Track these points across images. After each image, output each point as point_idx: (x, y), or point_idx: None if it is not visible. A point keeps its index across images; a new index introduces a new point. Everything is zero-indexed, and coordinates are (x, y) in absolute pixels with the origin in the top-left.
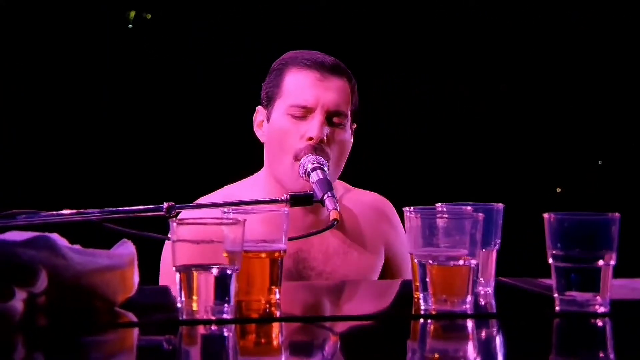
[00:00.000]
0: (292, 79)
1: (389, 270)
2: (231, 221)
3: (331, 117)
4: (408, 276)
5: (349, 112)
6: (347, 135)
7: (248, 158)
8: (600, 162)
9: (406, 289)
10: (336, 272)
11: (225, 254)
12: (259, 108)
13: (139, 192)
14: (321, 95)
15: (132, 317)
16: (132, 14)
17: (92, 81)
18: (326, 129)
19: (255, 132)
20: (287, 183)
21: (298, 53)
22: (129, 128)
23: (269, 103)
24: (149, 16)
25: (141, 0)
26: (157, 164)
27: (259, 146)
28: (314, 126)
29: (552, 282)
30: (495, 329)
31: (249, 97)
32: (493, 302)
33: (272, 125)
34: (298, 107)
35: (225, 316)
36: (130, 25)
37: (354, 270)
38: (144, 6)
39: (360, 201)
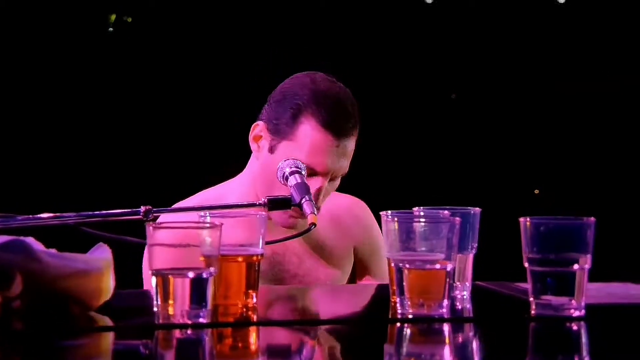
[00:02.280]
0: (307, 133)
1: (356, 271)
2: (208, 225)
3: (335, 177)
4: (378, 278)
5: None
6: (339, 182)
7: (226, 161)
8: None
9: (383, 293)
10: (309, 275)
11: (202, 258)
12: (260, 124)
13: (116, 196)
14: (333, 163)
15: (108, 321)
16: (113, 17)
17: (72, 85)
18: (326, 185)
19: (250, 143)
20: (269, 214)
21: (315, 93)
22: (107, 132)
23: (275, 133)
24: (129, 19)
25: (123, 3)
26: (135, 168)
27: (237, 150)
28: (315, 187)
29: (528, 285)
30: (471, 333)
31: (229, 102)
32: (469, 306)
33: (274, 163)
34: (307, 167)
35: (201, 320)
36: (110, 29)
37: (325, 272)
38: (125, 10)
39: (334, 204)
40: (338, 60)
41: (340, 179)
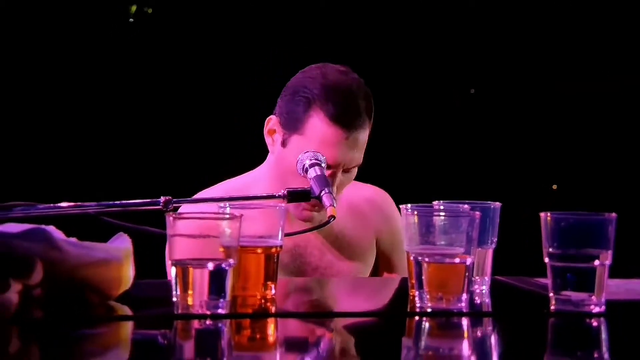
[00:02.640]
0: (317, 126)
1: (387, 263)
2: (227, 216)
3: (348, 169)
4: (400, 270)
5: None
6: (355, 173)
7: (247, 152)
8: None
9: (403, 286)
10: (331, 267)
11: (221, 249)
12: (273, 118)
13: (137, 186)
14: (344, 155)
15: (127, 310)
16: (134, 8)
17: (91, 74)
18: (339, 179)
19: (265, 136)
20: (290, 210)
21: (324, 85)
22: (129, 122)
23: (286, 127)
24: (150, 10)
25: None
26: (156, 158)
27: (258, 141)
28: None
29: (547, 281)
30: (490, 328)
31: (249, 93)
32: (488, 300)
33: (287, 156)
34: None
35: (220, 311)
36: (131, 19)
37: (347, 264)
38: (145, 1)
39: (356, 195)
40: (354, 53)
41: (355, 170)
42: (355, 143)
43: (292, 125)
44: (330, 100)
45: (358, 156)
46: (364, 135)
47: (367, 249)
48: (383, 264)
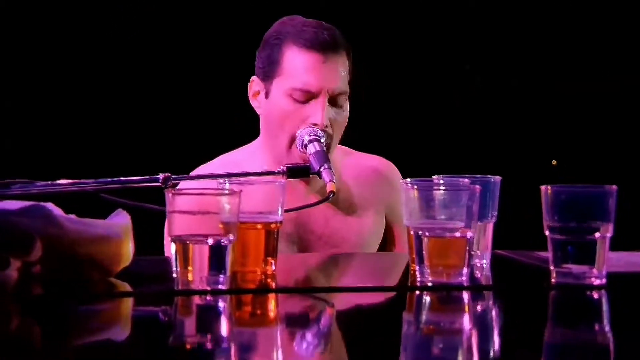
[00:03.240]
0: (292, 59)
1: (390, 235)
2: (227, 191)
3: (334, 99)
4: (401, 244)
5: (347, 85)
6: (347, 112)
7: (243, 126)
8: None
9: (404, 261)
10: (335, 234)
11: (221, 225)
12: (254, 79)
13: (135, 162)
14: (325, 79)
15: (127, 287)
16: None
17: (87, 53)
18: (330, 112)
19: (251, 101)
20: (284, 160)
21: (294, 25)
22: (124, 98)
23: (266, 77)
24: None
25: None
26: (153, 133)
27: (254, 115)
28: (317, 112)
29: (548, 254)
30: (491, 302)
31: (242, 66)
32: (489, 274)
33: (271, 103)
34: (301, 91)
35: (220, 287)
36: None
37: (353, 233)
38: None
39: (362, 165)
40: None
41: (346, 107)
42: (334, 67)
43: (270, 71)
44: (302, 32)
45: (342, 84)
46: (343, 63)
47: (374, 218)
48: (395, 236)
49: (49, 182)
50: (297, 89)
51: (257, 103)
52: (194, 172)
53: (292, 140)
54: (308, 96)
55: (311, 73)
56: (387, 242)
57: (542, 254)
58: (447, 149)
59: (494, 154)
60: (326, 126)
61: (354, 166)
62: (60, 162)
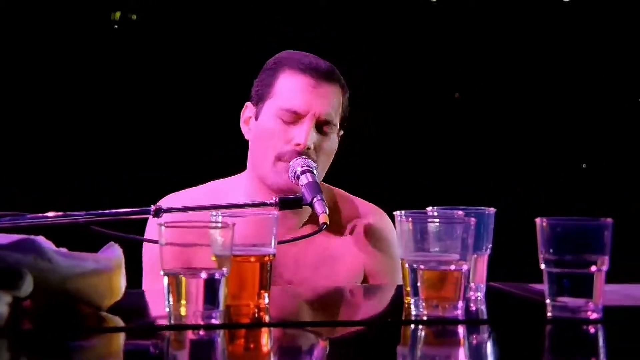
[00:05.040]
0: (285, 82)
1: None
2: (220, 224)
3: (321, 126)
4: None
5: (338, 121)
6: (334, 144)
7: (232, 156)
8: (584, 166)
9: (397, 294)
10: (304, 283)
11: (213, 258)
12: (248, 104)
13: (123, 189)
14: (313, 102)
15: (119, 321)
16: (117, 14)
17: (78, 82)
18: (314, 137)
19: (242, 127)
20: (268, 180)
21: (293, 54)
22: (112, 126)
23: (259, 101)
24: (134, 17)
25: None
26: (142, 161)
27: (244, 145)
28: (302, 133)
29: (543, 287)
30: (486, 335)
31: (235, 95)
32: (484, 307)
33: (259, 124)
34: (288, 112)
35: (214, 321)
36: (115, 26)
37: (323, 284)
38: (130, 7)
39: (354, 214)
40: (344, 63)
41: (335, 139)
42: (325, 94)
43: (263, 94)
44: (298, 59)
45: (331, 112)
46: (335, 94)
47: (350, 270)
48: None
49: (39, 215)
50: (285, 109)
51: (247, 128)
52: (176, 194)
53: (277, 159)
54: (295, 117)
55: (300, 94)
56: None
57: (536, 286)
58: (441, 180)
59: (486, 185)
60: (309, 148)
61: (343, 214)
62: (49, 194)
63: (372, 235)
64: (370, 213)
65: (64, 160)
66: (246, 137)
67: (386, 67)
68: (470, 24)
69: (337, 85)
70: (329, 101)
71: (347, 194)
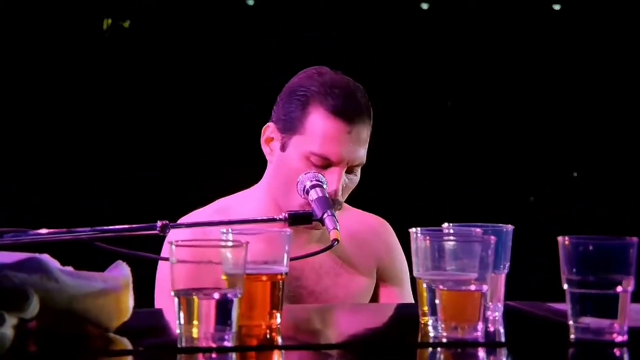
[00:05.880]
0: (316, 122)
1: (378, 293)
2: (233, 243)
3: (352, 168)
4: (401, 299)
5: (365, 153)
6: (358, 177)
7: (241, 171)
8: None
9: (411, 313)
10: (327, 292)
11: (224, 277)
12: (271, 125)
13: (128, 206)
14: (346, 150)
15: (127, 342)
16: (108, 22)
17: (79, 92)
18: (344, 180)
19: (262, 146)
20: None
21: (323, 83)
22: (110, 125)
23: (285, 130)
24: (127, 24)
25: (121, 8)
26: (148, 178)
27: (253, 160)
28: (333, 182)
29: (561, 306)
30: (507, 359)
31: (234, 94)
32: (501, 328)
33: (287, 160)
34: (320, 157)
35: (226, 343)
36: (107, 35)
37: (344, 291)
38: (123, 14)
39: (357, 222)
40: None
41: (358, 172)
42: (357, 137)
43: (291, 126)
44: (330, 95)
45: (362, 153)
46: (365, 131)
47: (366, 277)
48: (384, 294)
49: (41, 231)
50: (317, 154)
51: (269, 150)
52: (186, 217)
53: (304, 200)
54: (326, 163)
55: (334, 143)
56: (376, 299)
57: (555, 305)
58: (450, 196)
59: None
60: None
61: (350, 223)
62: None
63: (381, 244)
64: (375, 222)
65: (61, 161)
66: (267, 157)
67: (383, 72)
68: (461, 28)
69: (368, 122)
70: (361, 143)
71: (346, 204)
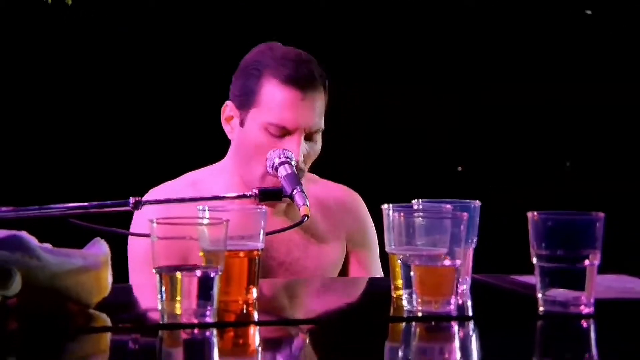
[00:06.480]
0: (270, 93)
1: (347, 263)
2: (214, 221)
3: (310, 135)
4: (371, 271)
5: (323, 121)
6: (319, 144)
7: (208, 145)
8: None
9: (383, 286)
10: (297, 263)
11: (201, 253)
12: (229, 104)
13: (99, 181)
14: (302, 116)
15: (107, 319)
16: None
17: (53, 73)
18: (304, 148)
19: (223, 125)
20: (254, 186)
21: (274, 57)
22: (84, 117)
23: (242, 106)
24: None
25: None
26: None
27: (220, 134)
28: (293, 149)
29: (526, 278)
30: (477, 331)
31: (209, 85)
32: (469, 301)
33: (246, 134)
34: (277, 127)
35: (207, 319)
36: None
37: (314, 262)
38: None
39: (325, 193)
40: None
41: (319, 139)
42: (312, 104)
43: (247, 101)
44: (282, 66)
45: (318, 120)
46: (320, 99)
47: (335, 248)
48: (353, 263)
49: (14, 208)
50: (274, 124)
51: (230, 128)
52: (157, 189)
53: (266, 173)
54: (284, 132)
55: (289, 110)
56: (349, 270)
57: (520, 278)
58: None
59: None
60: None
61: (318, 194)
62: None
63: (350, 214)
64: (344, 193)
65: (40, 152)
66: (229, 136)
67: (369, 58)
68: (460, 26)
69: (322, 88)
70: (316, 110)
71: (315, 176)
